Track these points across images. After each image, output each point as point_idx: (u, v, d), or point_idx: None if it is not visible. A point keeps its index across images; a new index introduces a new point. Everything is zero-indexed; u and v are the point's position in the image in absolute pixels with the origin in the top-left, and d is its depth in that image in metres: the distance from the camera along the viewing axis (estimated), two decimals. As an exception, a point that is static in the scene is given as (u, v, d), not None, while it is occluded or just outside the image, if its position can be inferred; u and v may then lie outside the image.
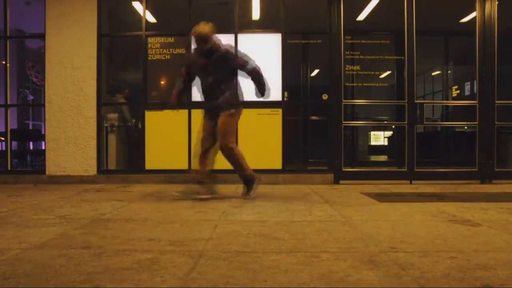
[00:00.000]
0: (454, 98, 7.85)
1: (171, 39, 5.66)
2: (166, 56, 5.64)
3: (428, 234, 2.39)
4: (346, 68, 5.60)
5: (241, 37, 5.48)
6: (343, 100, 5.43)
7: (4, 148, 6.31)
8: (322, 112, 6.60)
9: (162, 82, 7.40)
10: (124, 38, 6.41)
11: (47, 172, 5.55)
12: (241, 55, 3.91)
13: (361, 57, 5.69)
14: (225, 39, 4.07)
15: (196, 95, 5.47)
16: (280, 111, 5.43)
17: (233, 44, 5.29)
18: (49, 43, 5.59)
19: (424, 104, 5.49)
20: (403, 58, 5.51)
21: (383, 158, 9.86)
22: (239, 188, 4.72)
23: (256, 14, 6.01)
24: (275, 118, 5.43)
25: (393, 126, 8.12)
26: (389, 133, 10.80)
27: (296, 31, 5.91)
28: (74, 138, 5.54)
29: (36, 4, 6.26)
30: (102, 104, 5.67)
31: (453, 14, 6.32)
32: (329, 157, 5.50)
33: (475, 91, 5.70)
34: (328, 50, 5.51)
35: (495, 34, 5.40)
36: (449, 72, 8.06)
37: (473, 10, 5.55)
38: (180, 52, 5.63)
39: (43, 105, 5.65)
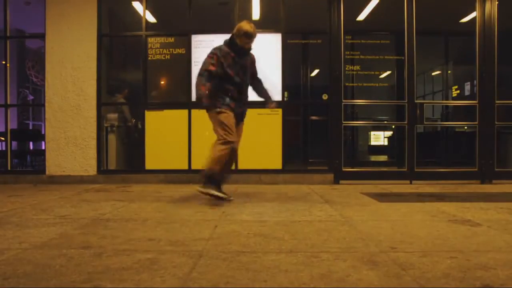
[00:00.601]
0: (454, 98, 7.85)
1: (171, 39, 5.66)
2: (166, 56, 5.64)
3: (428, 234, 2.39)
4: (346, 68, 5.60)
5: (241, 37, 5.47)
6: (343, 100, 5.44)
7: (4, 148, 6.31)
8: (322, 112, 6.60)
9: (162, 82, 7.40)
10: (124, 38, 6.42)
11: (47, 172, 5.55)
12: None
13: (361, 57, 5.69)
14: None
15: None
16: (280, 111, 5.43)
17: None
18: (49, 43, 5.59)
19: (424, 104, 5.49)
20: (403, 58, 5.52)
21: (383, 158, 9.85)
22: (240, 188, 4.73)
23: (256, 14, 6.01)
24: (275, 118, 5.43)
25: (393, 126, 8.12)
26: (389, 133, 10.79)
27: (296, 31, 5.91)
28: (74, 138, 5.55)
29: (36, 4, 6.26)
30: (102, 104, 5.68)
31: (453, 14, 6.32)
32: (329, 157, 5.51)
33: (475, 91, 5.70)
34: (328, 50, 5.51)
35: (495, 34, 5.41)
36: (449, 72, 8.06)
37: (473, 10, 5.55)
38: (180, 52, 5.63)
39: (43, 105, 5.66)
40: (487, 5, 5.41)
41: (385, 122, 9.94)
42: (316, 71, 8.29)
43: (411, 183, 5.32)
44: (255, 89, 3.99)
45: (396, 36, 5.75)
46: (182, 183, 5.33)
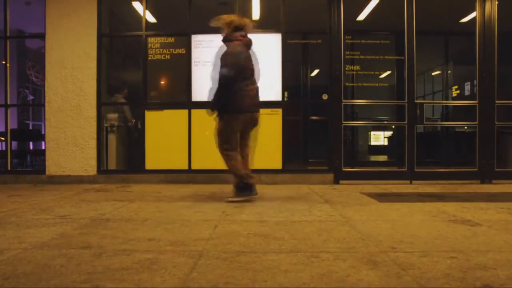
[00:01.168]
0: (454, 98, 7.85)
1: (171, 39, 5.66)
2: (166, 56, 5.64)
3: (428, 234, 2.38)
4: (346, 68, 5.60)
5: (241, 37, 5.47)
6: (343, 100, 5.44)
7: (4, 148, 6.31)
8: (322, 112, 6.60)
9: (162, 82, 7.40)
10: (124, 38, 6.41)
11: (47, 172, 5.55)
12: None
13: (361, 57, 5.69)
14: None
15: (196, 95, 5.51)
16: (280, 111, 5.43)
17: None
18: (49, 43, 5.60)
19: (424, 104, 5.49)
20: (403, 58, 5.52)
21: (383, 158, 9.85)
22: (239, 188, 4.72)
23: (256, 14, 6.01)
24: (275, 118, 5.43)
25: (393, 126, 8.12)
26: (389, 133, 10.79)
27: (296, 31, 5.91)
28: (74, 138, 5.55)
29: (36, 4, 6.26)
30: (102, 104, 5.68)
31: (453, 14, 6.32)
32: (329, 157, 5.51)
33: (475, 91, 5.70)
34: (328, 50, 5.52)
35: (495, 34, 5.40)
36: (449, 72, 8.06)
37: (473, 10, 5.55)
38: (180, 52, 5.64)
39: (43, 105, 5.65)
40: (487, 5, 5.41)
41: (385, 122, 9.94)
42: (316, 71, 8.29)
43: (411, 183, 5.32)
44: None
45: (396, 36, 5.74)
46: (182, 183, 5.33)
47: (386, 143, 11.03)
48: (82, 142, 5.54)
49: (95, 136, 5.55)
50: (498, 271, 1.70)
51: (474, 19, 5.56)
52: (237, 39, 3.65)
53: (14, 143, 7.17)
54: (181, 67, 5.63)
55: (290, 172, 5.46)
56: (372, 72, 5.90)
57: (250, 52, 3.75)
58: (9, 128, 5.91)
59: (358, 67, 5.74)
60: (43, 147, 5.82)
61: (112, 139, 5.88)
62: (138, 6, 5.81)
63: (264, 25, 5.55)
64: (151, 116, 5.57)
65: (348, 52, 5.62)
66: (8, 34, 5.90)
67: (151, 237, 2.32)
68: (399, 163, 5.93)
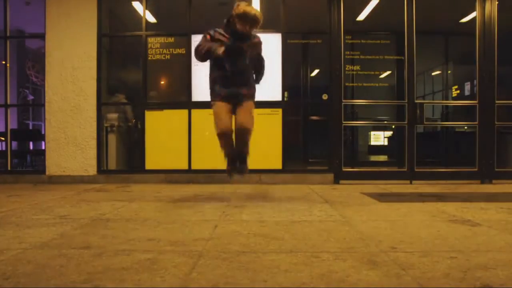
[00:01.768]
0: (454, 98, 7.86)
1: (171, 39, 5.66)
2: (166, 56, 5.64)
3: (428, 234, 2.38)
4: (346, 68, 5.60)
5: (241, 37, 5.47)
6: (343, 100, 5.44)
7: (4, 148, 6.30)
8: (322, 112, 6.60)
9: (162, 82, 7.40)
10: (124, 38, 6.41)
11: (47, 172, 5.55)
12: None
13: (361, 57, 5.69)
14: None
15: (196, 95, 5.51)
16: (280, 111, 5.43)
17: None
18: (49, 43, 5.60)
19: (424, 104, 5.49)
20: (403, 58, 5.52)
21: (383, 158, 9.86)
22: (239, 188, 4.73)
23: (256, 14, 6.00)
24: (275, 118, 5.43)
25: (393, 126, 8.12)
26: (389, 133, 10.80)
27: (296, 31, 5.91)
28: (74, 138, 5.55)
29: (36, 4, 6.27)
30: (102, 104, 5.68)
31: (453, 14, 6.32)
32: (329, 157, 5.51)
33: (475, 91, 5.71)
34: (328, 50, 5.52)
35: (495, 34, 5.41)
36: (449, 72, 8.06)
37: (473, 10, 5.55)
38: (180, 52, 5.63)
39: (43, 105, 5.66)
40: (487, 5, 5.41)
41: (385, 122, 9.95)
42: (316, 71, 8.30)
43: (411, 183, 5.32)
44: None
45: (396, 36, 5.75)
46: (182, 183, 5.33)
47: (386, 143, 11.05)
48: (82, 142, 5.54)
49: (95, 136, 5.55)
50: (498, 271, 1.70)
51: (474, 19, 5.56)
52: None
53: (14, 143, 7.17)
54: (181, 67, 5.63)
55: (290, 172, 5.46)
56: (372, 72, 5.91)
57: None
58: (9, 128, 5.91)
59: (358, 67, 5.74)
60: (43, 147, 5.82)
61: (112, 139, 5.88)
62: (138, 6, 5.81)
63: (264, 25, 5.53)
64: (151, 116, 5.57)
65: (348, 52, 5.62)
66: (8, 34, 5.90)
67: (151, 237, 2.32)
68: (399, 163, 5.94)
